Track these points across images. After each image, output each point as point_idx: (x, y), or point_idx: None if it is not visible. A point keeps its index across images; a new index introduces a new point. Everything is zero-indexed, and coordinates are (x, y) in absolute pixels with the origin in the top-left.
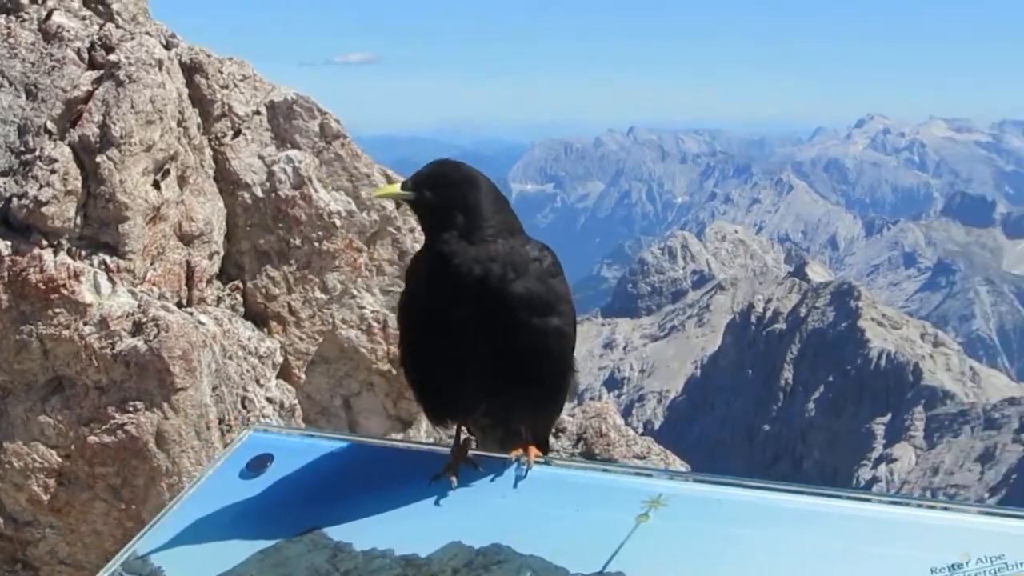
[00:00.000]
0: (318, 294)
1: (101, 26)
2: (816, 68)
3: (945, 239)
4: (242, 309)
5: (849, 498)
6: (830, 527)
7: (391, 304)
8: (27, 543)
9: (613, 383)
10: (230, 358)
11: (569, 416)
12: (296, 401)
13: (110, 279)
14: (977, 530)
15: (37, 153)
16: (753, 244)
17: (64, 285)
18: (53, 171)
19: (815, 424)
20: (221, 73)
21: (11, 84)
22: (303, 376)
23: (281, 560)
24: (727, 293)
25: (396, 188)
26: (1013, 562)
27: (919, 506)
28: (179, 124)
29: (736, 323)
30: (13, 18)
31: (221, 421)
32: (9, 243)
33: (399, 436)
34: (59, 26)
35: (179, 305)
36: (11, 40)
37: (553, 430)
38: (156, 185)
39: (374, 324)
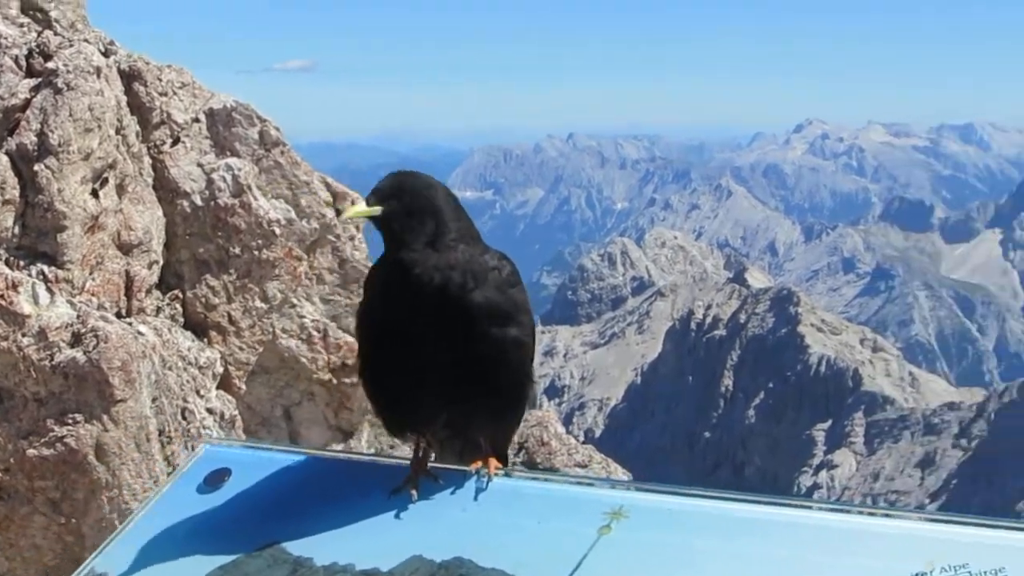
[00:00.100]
0: (258, 303)
1: (39, 33)
2: (754, 73)
3: (884, 244)
4: (182, 319)
5: (814, 508)
6: (796, 537)
7: (332, 313)
8: None
9: (554, 391)
10: (170, 369)
11: None
12: (236, 412)
13: (48, 289)
14: (940, 539)
15: None
16: (692, 250)
17: (2, 296)
18: None
19: (755, 431)
20: (160, 80)
21: None
22: (243, 386)
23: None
24: (667, 300)
25: (362, 207)
26: (977, 571)
27: (886, 515)
28: (118, 132)
29: (676, 330)
30: None
31: (161, 433)
32: None
33: (339, 447)
34: None
35: (118, 315)
36: None
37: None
38: (95, 194)
39: (315, 333)
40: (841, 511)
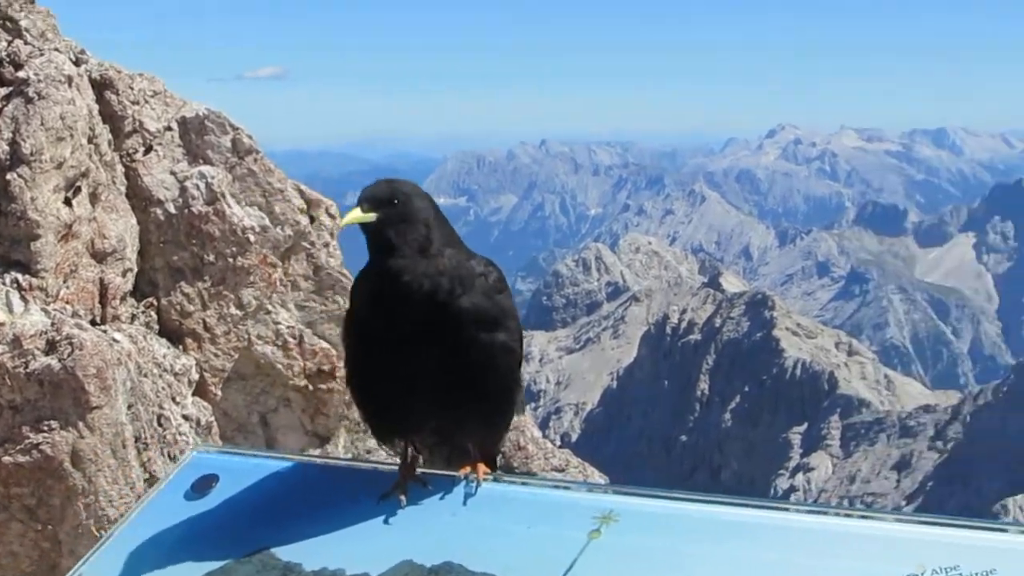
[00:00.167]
0: (233, 310)
1: (9, 43)
2: (727, 79)
3: (858, 248)
4: (157, 326)
5: (804, 511)
6: (786, 540)
7: (307, 319)
8: None
9: (529, 396)
10: (145, 376)
11: None
12: (213, 418)
13: (23, 297)
14: (930, 541)
15: None
16: (667, 255)
17: None
18: None
19: (732, 434)
20: (132, 89)
21: None
22: (219, 393)
23: None
24: (642, 304)
25: (357, 213)
26: (968, 572)
27: (876, 519)
28: (90, 141)
29: (651, 334)
30: None
31: (137, 439)
32: None
33: (316, 452)
34: None
35: (93, 323)
36: None
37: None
38: (68, 202)
39: (290, 340)
40: (829, 514)
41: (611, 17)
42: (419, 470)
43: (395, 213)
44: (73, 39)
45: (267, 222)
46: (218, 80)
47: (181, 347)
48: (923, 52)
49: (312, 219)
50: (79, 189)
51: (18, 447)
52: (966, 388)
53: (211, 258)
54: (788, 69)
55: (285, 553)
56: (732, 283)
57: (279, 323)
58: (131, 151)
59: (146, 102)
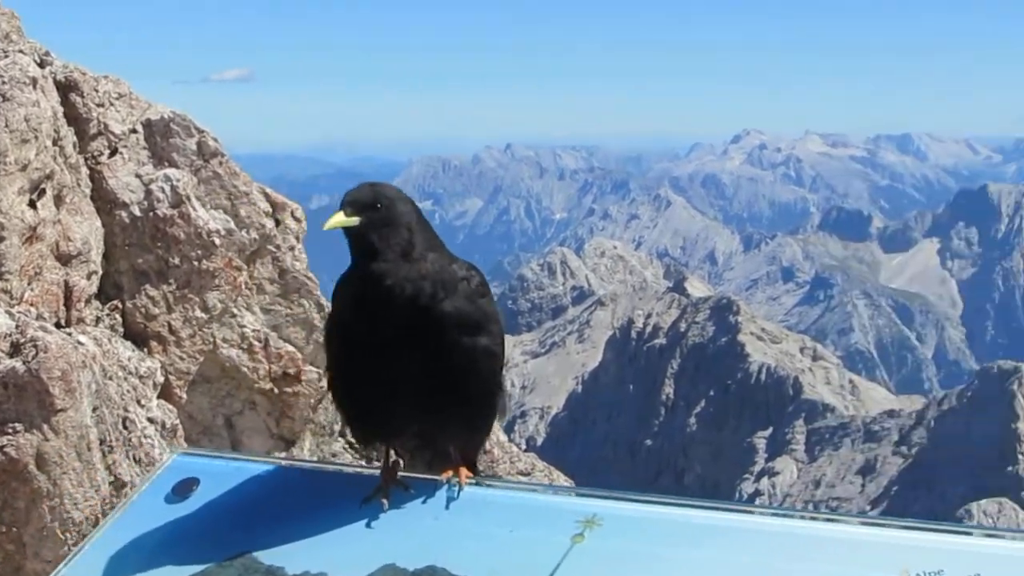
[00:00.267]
0: (198, 313)
1: None
2: (691, 84)
3: (822, 253)
4: (122, 329)
5: (782, 516)
6: (768, 544)
7: (272, 323)
8: None
9: None
10: (110, 378)
11: None
12: (178, 421)
13: None
14: (913, 545)
15: None
16: (632, 260)
17: None
18: None
19: (697, 439)
20: (97, 91)
21: None
22: (184, 396)
23: None
24: (607, 309)
25: (341, 217)
26: None
27: (859, 523)
28: (55, 143)
29: (616, 339)
30: None
31: (102, 442)
32: None
33: (282, 455)
34: None
35: (58, 325)
36: None
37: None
38: (32, 204)
39: (255, 343)
40: (811, 518)
41: (575, 19)
42: (400, 474)
43: (378, 217)
44: (38, 41)
45: (232, 225)
46: (184, 82)
47: (146, 350)
48: (888, 57)
49: (278, 222)
50: (44, 191)
51: None
52: (930, 393)
53: (176, 261)
54: (753, 74)
55: (267, 557)
56: (697, 288)
57: (244, 326)
58: (96, 153)
59: (111, 104)
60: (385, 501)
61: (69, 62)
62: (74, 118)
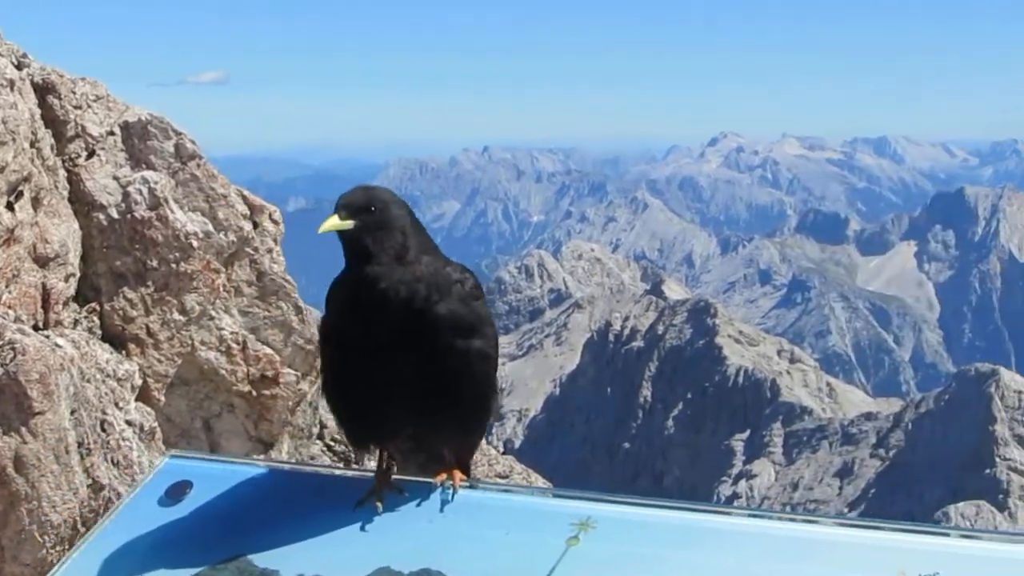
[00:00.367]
0: (176, 316)
1: None
2: (669, 87)
3: (800, 256)
4: (99, 331)
5: (778, 519)
6: (765, 547)
7: (250, 325)
8: None
9: None
10: (88, 381)
11: None
12: (156, 424)
13: None
14: (908, 548)
15: None
16: (609, 262)
17: None
18: None
19: (675, 441)
20: (74, 93)
21: None
22: (162, 398)
23: None
24: (584, 311)
25: (335, 221)
26: None
27: (864, 527)
28: (32, 145)
29: (594, 341)
30: None
31: (80, 445)
32: None
33: (260, 458)
34: None
35: (35, 328)
36: None
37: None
38: (10, 207)
39: (233, 346)
40: (807, 521)
41: (552, 21)
42: (394, 476)
43: (372, 220)
44: (15, 43)
45: (210, 227)
46: (161, 85)
47: (124, 352)
48: (866, 60)
49: (255, 225)
50: (21, 194)
51: None
52: (908, 396)
53: (154, 263)
54: (730, 77)
55: (261, 560)
56: (674, 290)
57: (222, 329)
58: (73, 156)
59: (89, 107)
60: (379, 504)
61: (47, 64)
62: (52, 120)
